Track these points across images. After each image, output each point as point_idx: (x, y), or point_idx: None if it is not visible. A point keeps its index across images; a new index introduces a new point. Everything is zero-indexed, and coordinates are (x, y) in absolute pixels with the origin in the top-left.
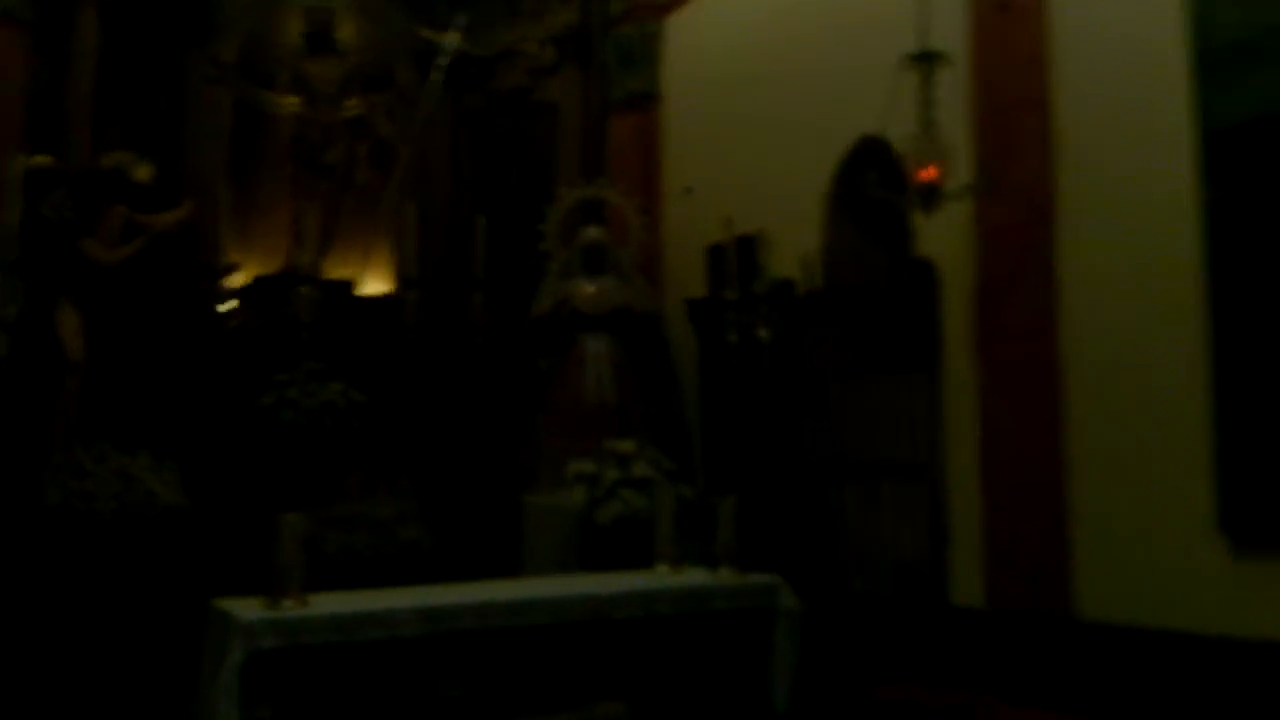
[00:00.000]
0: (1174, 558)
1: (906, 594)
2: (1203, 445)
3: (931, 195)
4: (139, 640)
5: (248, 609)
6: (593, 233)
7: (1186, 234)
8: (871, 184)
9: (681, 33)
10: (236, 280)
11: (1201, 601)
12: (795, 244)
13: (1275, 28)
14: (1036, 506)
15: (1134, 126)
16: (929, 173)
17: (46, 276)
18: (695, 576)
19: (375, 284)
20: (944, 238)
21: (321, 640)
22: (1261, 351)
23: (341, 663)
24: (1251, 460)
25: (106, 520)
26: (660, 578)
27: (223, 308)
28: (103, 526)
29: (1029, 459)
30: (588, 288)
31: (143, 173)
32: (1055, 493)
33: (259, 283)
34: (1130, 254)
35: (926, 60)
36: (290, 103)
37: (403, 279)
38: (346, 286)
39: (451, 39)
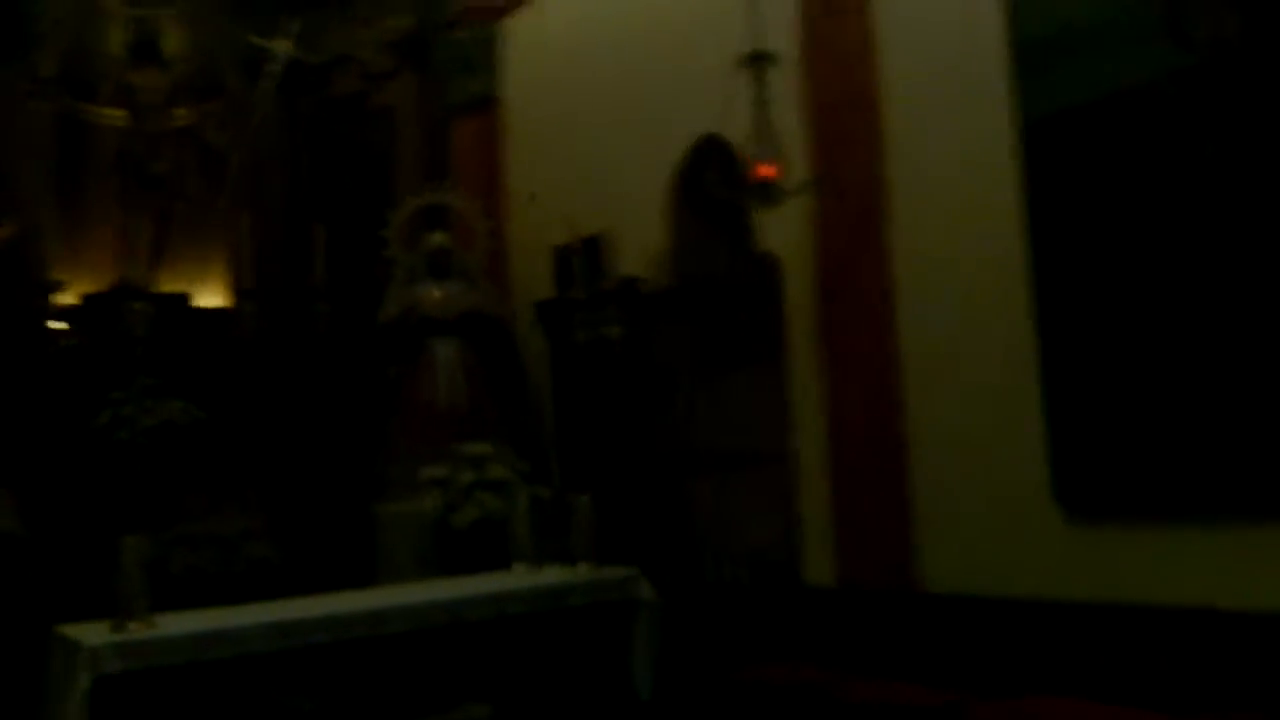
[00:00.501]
0: (1011, 528)
1: (763, 579)
2: (1035, 421)
3: (770, 192)
4: None
5: (93, 634)
6: (437, 238)
7: (1010, 221)
8: (712, 182)
9: (519, 36)
10: (66, 298)
11: (1039, 569)
12: (641, 243)
13: (1083, 20)
14: (880, 487)
15: (958, 119)
16: (767, 170)
17: None
18: (553, 574)
19: (212, 297)
20: (784, 232)
21: (170, 661)
22: (1082, 332)
23: (194, 683)
24: (1080, 433)
25: None
26: (518, 578)
27: (52, 326)
28: None
29: (872, 442)
30: (435, 293)
31: None
32: (898, 473)
33: (89, 299)
34: (959, 242)
35: (759, 61)
36: (115, 115)
37: (239, 290)
38: (181, 300)
39: (283, 46)
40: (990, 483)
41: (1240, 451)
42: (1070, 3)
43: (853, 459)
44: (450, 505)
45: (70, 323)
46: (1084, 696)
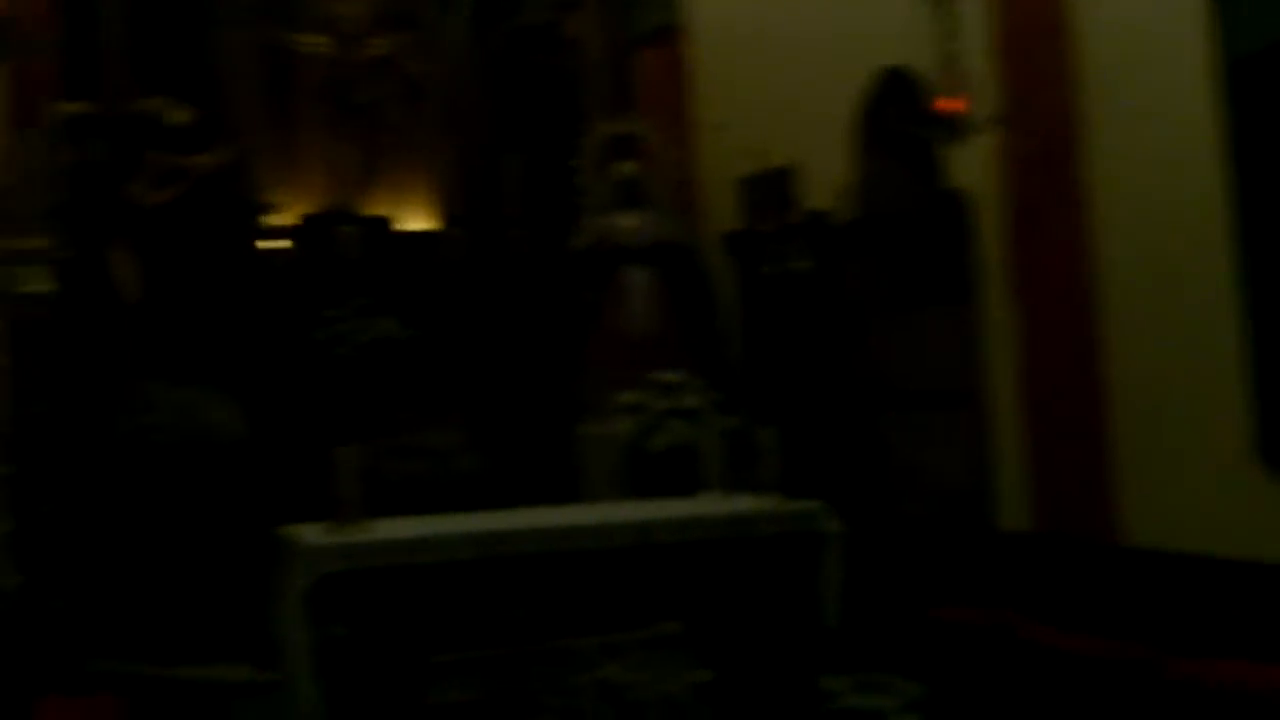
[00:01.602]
0: (1211, 483)
1: (955, 520)
2: (1238, 370)
3: (956, 126)
4: (206, 565)
5: (312, 536)
6: (627, 167)
7: (1210, 158)
8: (897, 116)
9: None
10: (281, 219)
11: (1239, 527)
12: (828, 175)
13: None
14: (1078, 433)
15: (1156, 51)
16: (953, 103)
17: (95, 220)
18: (741, 503)
19: (416, 221)
20: (974, 167)
21: (384, 563)
22: None
23: (407, 585)
24: None
25: (172, 450)
26: (707, 504)
27: (269, 246)
28: (169, 456)
29: (1068, 386)
30: (625, 221)
31: (180, 116)
32: (1096, 419)
33: (303, 221)
34: (1157, 180)
35: None
36: (319, 43)
37: (442, 216)
38: (387, 224)
39: None
40: (1191, 435)
41: None
42: None
43: (1048, 403)
44: (644, 431)
45: (286, 242)
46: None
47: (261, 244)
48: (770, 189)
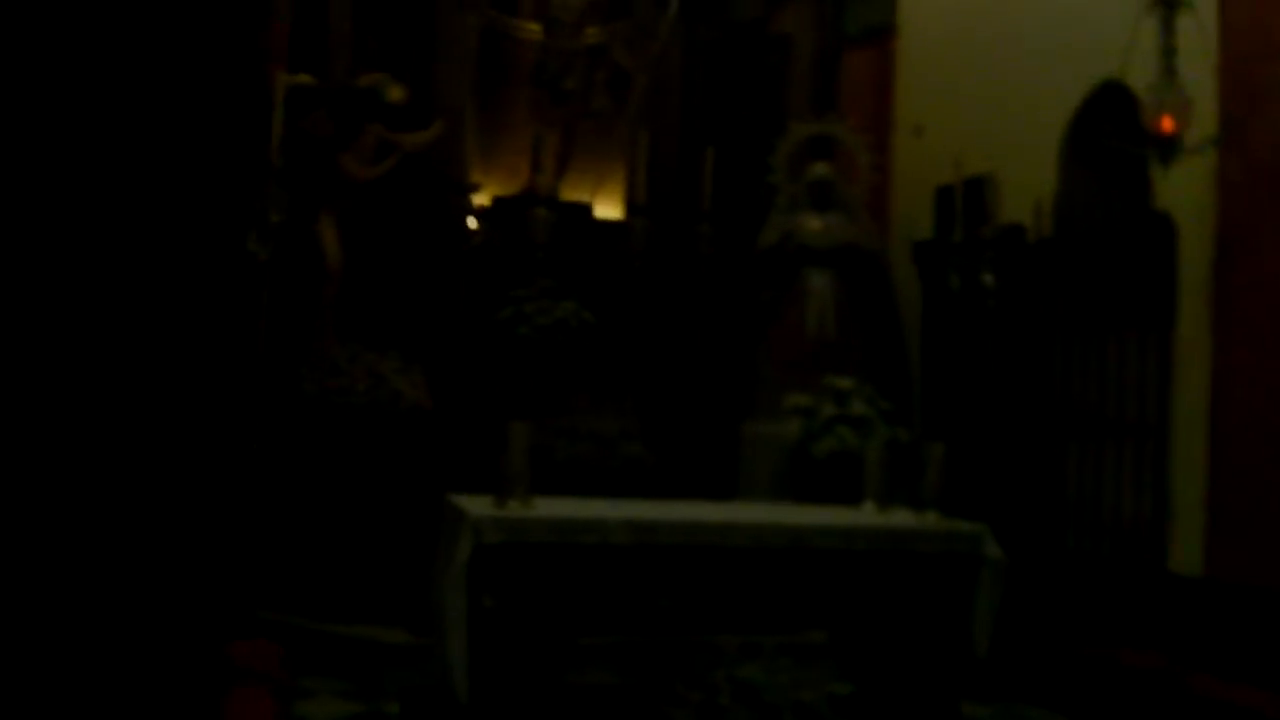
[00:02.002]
0: None
1: (1123, 556)
2: None
3: (1170, 147)
4: (374, 527)
5: (478, 506)
6: (820, 168)
7: None
8: (1108, 131)
9: None
10: (479, 199)
11: None
12: (1026, 189)
13: None
14: (1264, 476)
15: None
16: (1168, 123)
17: (307, 188)
18: (900, 518)
19: (607, 209)
20: (1184, 191)
21: (541, 540)
22: None
23: (560, 563)
24: None
25: (357, 413)
26: (865, 515)
27: (467, 223)
28: (353, 418)
29: (1262, 427)
30: (813, 223)
31: (396, 93)
32: None
33: (499, 202)
34: None
35: (1169, 6)
36: (533, 29)
37: (633, 205)
38: (580, 210)
39: None
40: None
41: None
42: None
43: (1238, 442)
44: (811, 434)
45: (481, 222)
46: None
47: (463, 220)
48: (965, 199)
